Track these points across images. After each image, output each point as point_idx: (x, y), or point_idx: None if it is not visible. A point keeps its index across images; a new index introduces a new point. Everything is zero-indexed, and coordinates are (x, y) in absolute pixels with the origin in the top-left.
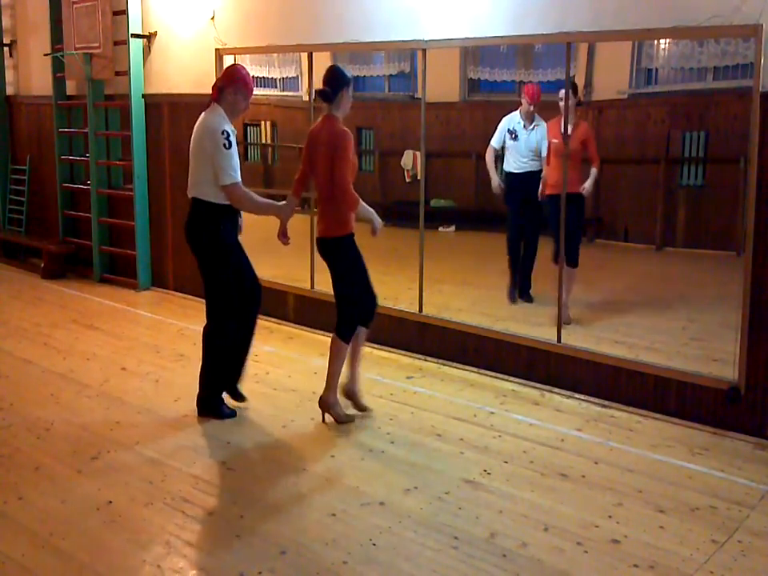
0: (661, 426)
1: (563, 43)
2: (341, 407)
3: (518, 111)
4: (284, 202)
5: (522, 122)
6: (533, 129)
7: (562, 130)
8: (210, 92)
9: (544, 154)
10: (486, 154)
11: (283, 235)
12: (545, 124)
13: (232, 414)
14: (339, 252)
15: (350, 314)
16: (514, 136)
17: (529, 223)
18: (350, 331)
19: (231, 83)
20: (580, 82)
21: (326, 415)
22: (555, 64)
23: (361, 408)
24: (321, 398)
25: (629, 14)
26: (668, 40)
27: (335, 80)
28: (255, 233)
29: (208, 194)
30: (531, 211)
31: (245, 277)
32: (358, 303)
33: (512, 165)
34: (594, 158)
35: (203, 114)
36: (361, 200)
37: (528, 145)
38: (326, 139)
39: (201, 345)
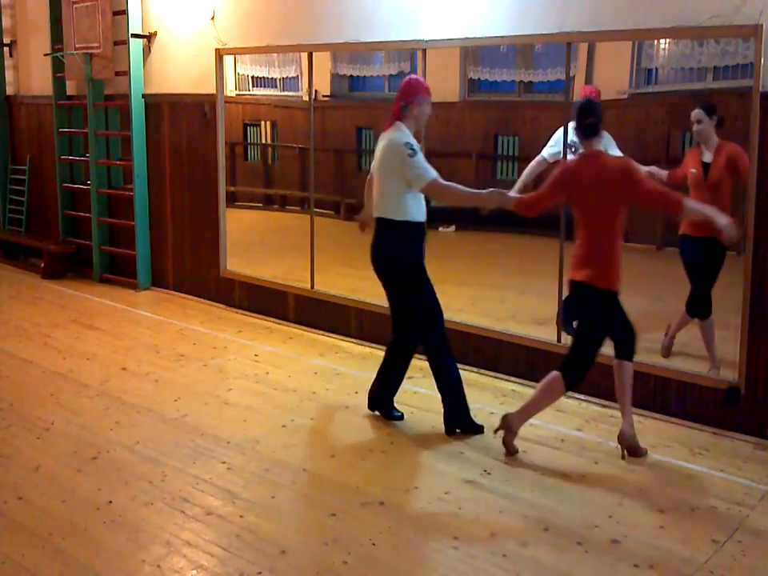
0: (661, 426)
1: (563, 43)
2: (513, 436)
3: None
4: (489, 193)
5: None
6: None
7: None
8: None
9: None
10: (533, 161)
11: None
12: (609, 135)
13: (481, 428)
14: (596, 305)
15: (586, 362)
16: (573, 150)
17: None
18: (579, 379)
19: (414, 98)
20: (580, 81)
21: (508, 445)
22: (555, 64)
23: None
24: (507, 416)
25: (629, 14)
26: (668, 40)
27: (598, 112)
28: (255, 233)
29: (395, 211)
30: None
31: (433, 295)
32: (594, 356)
33: None
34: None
35: (385, 134)
36: (686, 198)
37: None
38: (607, 178)
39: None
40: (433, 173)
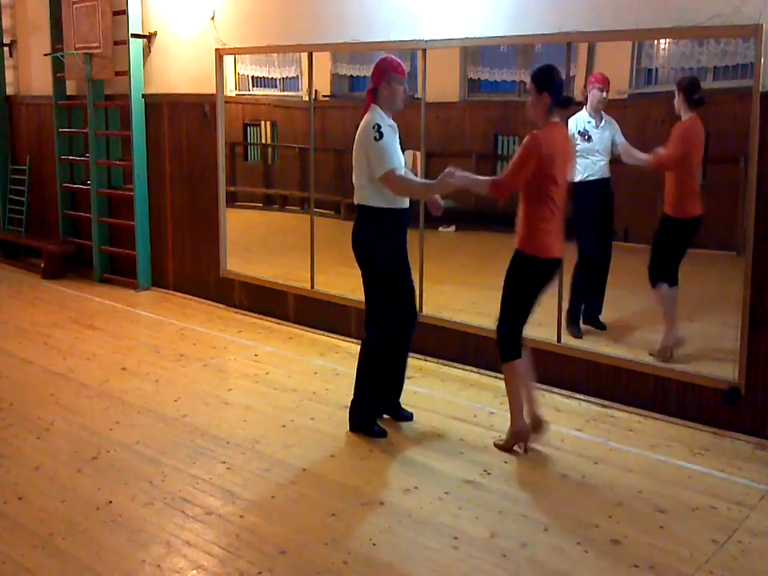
0: (661, 426)
1: (563, 43)
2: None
3: (583, 110)
4: (441, 181)
5: (593, 121)
6: (603, 126)
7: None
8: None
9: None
10: None
11: (434, 207)
12: (614, 121)
13: (382, 433)
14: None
15: (505, 332)
16: (587, 137)
17: (605, 240)
18: (509, 348)
19: (380, 79)
20: (579, 81)
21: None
22: (555, 64)
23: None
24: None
25: (629, 14)
26: (668, 40)
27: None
28: (255, 233)
29: (369, 198)
30: (607, 225)
31: (403, 292)
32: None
33: (589, 171)
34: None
35: (363, 120)
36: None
37: (602, 144)
38: (568, 147)
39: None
40: (393, 162)
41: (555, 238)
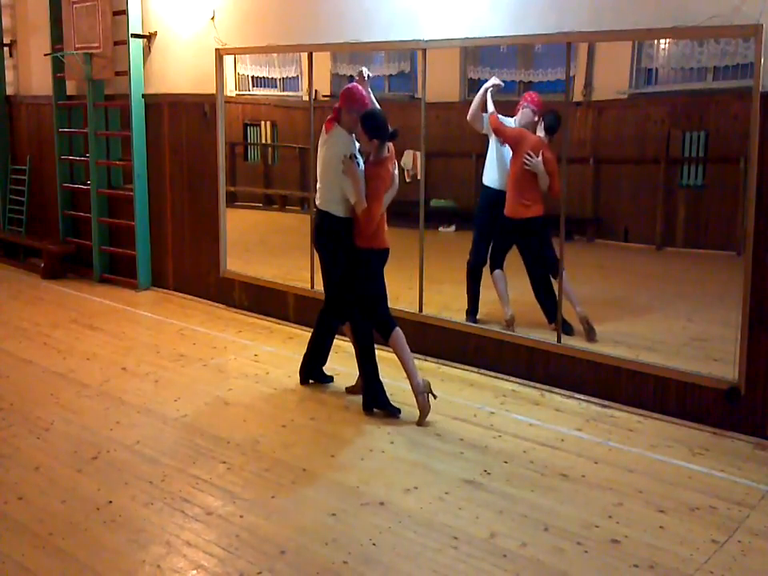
0: (661, 426)
1: (563, 43)
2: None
3: (513, 119)
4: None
5: None
6: None
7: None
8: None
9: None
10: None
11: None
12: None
13: (397, 410)
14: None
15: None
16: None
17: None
18: (385, 326)
19: (342, 103)
20: (579, 81)
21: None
22: (555, 64)
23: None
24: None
25: (628, 14)
26: (668, 40)
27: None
28: (255, 233)
29: (337, 209)
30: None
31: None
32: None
33: (488, 177)
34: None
35: (327, 134)
36: None
37: (501, 157)
38: (390, 175)
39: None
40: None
41: (382, 234)
